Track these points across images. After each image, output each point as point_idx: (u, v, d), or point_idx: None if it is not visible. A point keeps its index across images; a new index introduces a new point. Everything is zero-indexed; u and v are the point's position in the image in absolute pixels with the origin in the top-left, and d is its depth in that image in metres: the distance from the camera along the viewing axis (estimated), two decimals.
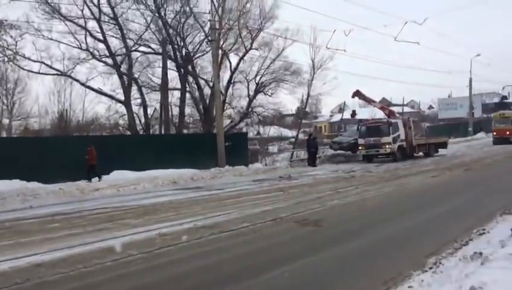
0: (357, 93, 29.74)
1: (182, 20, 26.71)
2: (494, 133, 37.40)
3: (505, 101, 74.03)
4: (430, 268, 5.53)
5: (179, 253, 7.23)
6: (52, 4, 23.30)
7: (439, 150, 28.96)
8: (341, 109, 55.14)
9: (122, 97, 25.81)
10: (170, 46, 26.62)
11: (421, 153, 27.70)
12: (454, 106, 61.37)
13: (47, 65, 24.27)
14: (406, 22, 25.91)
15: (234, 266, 6.46)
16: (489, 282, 3.73)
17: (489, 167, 20.20)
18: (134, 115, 26.83)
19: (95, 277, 6.02)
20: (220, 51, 26.52)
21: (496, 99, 75.33)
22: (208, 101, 28.18)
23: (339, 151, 29.87)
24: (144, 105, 27.11)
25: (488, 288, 3.64)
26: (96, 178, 18.06)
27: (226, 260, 6.76)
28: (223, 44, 27.50)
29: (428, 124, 60.76)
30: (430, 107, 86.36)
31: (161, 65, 25.26)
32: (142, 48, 27.10)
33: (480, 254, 4.91)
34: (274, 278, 5.76)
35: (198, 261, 6.74)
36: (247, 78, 29.77)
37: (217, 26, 24.58)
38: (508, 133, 35.91)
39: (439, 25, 76.20)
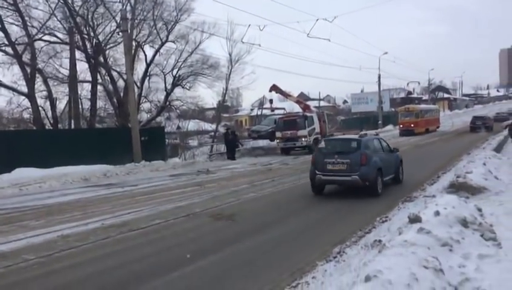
0: (274, 88, 30.23)
1: (91, 8, 25.13)
2: (401, 126, 40.11)
3: (410, 96, 79.98)
4: (334, 257, 5.67)
5: (82, 255, 6.77)
6: None
7: None
8: (261, 103, 55.94)
9: (25, 89, 23.72)
10: (79, 36, 24.94)
11: None
12: (365, 100, 64.63)
13: None
14: (318, 19, 26.71)
15: (140, 266, 6.16)
16: (384, 269, 3.85)
17: None
18: (40, 108, 24.87)
19: None
20: (133, 43, 25.42)
21: (402, 94, 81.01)
22: (122, 94, 26.94)
23: (258, 145, 30.21)
24: (50, 98, 25.20)
25: (383, 276, 3.76)
26: None
27: (132, 260, 6.43)
28: (136, 35, 26.43)
29: (342, 117, 63.65)
30: (345, 101, 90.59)
31: (69, 56, 23.59)
32: (46, 37, 25.03)
33: (380, 241, 5.10)
34: (180, 277, 5.58)
35: (101, 263, 6.35)
36: (164, 71, 28.90)
37: (129, 17, 23.47)
38: (412, 125, 38.72)
39: (348, 23, 79.84)
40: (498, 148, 19.53)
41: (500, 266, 4.83)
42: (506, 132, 27.45)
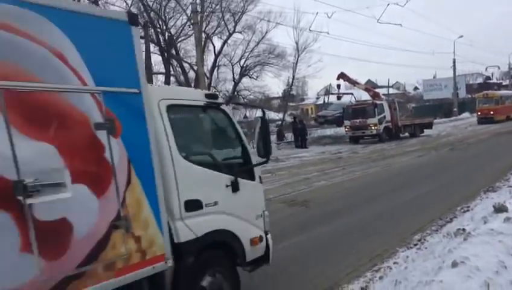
0: (342, 76, 29.76)
1: (164, 3, 26.22)
2: (479, 113, 37.84)
3: (489, 81, 74.89)
4: (415, 245, 5.64)
5: None
6: None
7: (425, 130, 29.23)
8: (327, 91, 55.17)
9: None
10: (152, 30, 26.16)
11: (406, 134, 27.97)
12: (439, 86, 61.62)
13: None
14: (388, 4, 25.90)
15: None
16: (471, 256, 3.81)
17: (474, 146, 20.45)
18: None
19: None
20: (203, 34, 26.18)
21: (480, 80, 76.08)
22: (193, 84, 27.91)
23: (326, 133, 30.00)
24: None
25: (470, 262, 3.72)
26: None
27: None
28: (205, 27, 27.18)
29: (413, 105, 61.14)
30: (416, 88, 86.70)
31: (144, 49, 24.83)
32: None
33: (463, 230, 5.00)
34: None
35: None
36: (232, 61, 29.53)
37: (199, 9, 24.14)
38: (491, 112, 36.39)
39: (421, 6, 76.03)
40: None
41: None
42: None
